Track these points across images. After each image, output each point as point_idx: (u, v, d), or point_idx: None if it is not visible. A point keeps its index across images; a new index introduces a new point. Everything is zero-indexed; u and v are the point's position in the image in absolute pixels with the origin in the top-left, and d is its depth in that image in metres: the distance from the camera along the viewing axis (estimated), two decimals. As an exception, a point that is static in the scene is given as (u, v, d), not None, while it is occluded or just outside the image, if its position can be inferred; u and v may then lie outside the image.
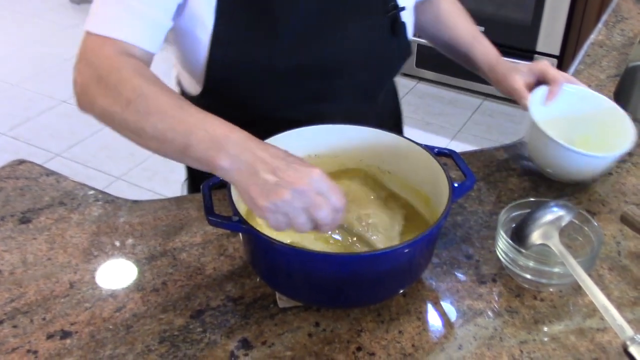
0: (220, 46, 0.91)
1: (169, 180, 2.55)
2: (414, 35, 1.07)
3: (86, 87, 0.81)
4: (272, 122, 0.85)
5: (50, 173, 1.03)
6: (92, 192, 0.99)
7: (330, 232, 0.81)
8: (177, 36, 0.95)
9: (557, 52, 2.73)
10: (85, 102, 0.82)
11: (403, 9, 0.99)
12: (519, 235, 0.83)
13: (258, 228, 0.72)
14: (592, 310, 0.80)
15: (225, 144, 0.71)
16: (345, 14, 0.95)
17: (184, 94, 1.06)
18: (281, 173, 0.68)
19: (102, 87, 0.79)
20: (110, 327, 0.77)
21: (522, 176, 1.04)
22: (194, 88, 1.00)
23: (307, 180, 0.68)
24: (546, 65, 1.05)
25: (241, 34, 0.91)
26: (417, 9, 1.08)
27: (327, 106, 1.01)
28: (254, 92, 0.98)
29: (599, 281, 0.84)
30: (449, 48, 1.16)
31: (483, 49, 1.10)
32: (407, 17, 1.02)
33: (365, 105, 1.07)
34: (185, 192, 1.21)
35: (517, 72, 1.04)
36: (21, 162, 1.05)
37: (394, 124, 1.22)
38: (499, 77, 1.06)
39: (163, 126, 0.74)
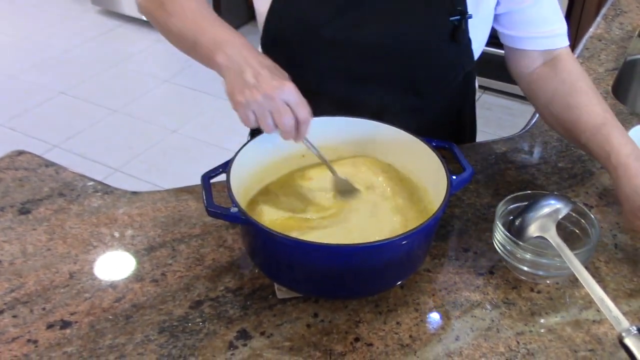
0: (280, 1, 0.94)
1: (167, 172, 2.56)
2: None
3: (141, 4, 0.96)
4: (313, 95, 0.85)
5: (49, 164, 1.03)
6: (91, 183, 0.99)
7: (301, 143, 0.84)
8: None
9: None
10: (143, 9, 0.97)
11: (470, 16, 0.93)
12: (516, 228, 0.84)
13: (257, 220, 0.73)
14: (588, 302, 0.81)
15: (224, 45, 0.83)
16: (406, 2, 0.93)
17: None
18: (261, 79, 0.79)
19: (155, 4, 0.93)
20: (110, 317, 0.78)
21: (520, 169, 1.04)
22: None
23: (278, 90, 0.78)
24: None
25: None
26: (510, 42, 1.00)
27: (367, 91, 0.99)
28: (302, 56, 0.97)
29: (596, 273, 0.85)
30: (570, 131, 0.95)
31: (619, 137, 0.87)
32: (475, 27, 0.97)
33: (406, 100, 1.03)
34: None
35: None
36: (20, 153, 1.05)
37: (453, 132, 1.15)
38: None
39: (182, 25, 0.88)
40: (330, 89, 0.99)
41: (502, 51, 1.06)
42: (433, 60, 0.99)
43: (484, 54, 1.06)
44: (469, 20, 0.94)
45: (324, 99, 0.89)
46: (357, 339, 0.75)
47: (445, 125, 1.12)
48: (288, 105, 0.78)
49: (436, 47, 0.97)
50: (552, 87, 0.96)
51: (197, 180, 0.82)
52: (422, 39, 0.96)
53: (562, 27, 0.98)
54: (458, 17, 0.93)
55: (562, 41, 0.98)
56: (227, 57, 0.81)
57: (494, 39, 1.09)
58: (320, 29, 0.94)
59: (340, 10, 0.93)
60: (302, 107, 0.80)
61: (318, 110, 0.85)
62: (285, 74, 0.82)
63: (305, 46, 0.96)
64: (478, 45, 1.00)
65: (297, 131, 0.80)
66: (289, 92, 0.79)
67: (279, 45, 0.98)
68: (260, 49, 1.06)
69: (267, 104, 0.78)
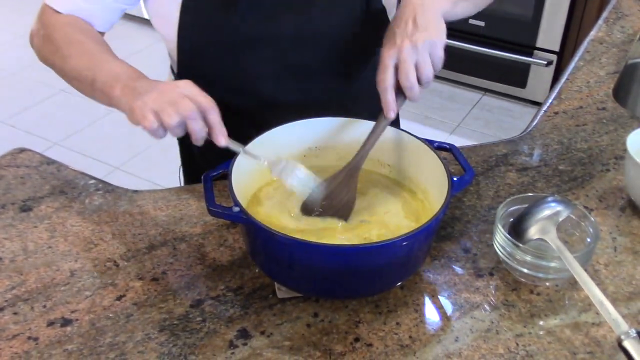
0: (187, 13, 0.93)
1: (167, 170, 2.55)
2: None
3: (38, 43, 0.95)
4: (256, 101, 0.85)
5: (50, 162, 1.03)
6: (92, 181, 1.00)
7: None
8: (152, 17, 0.99)
9: (557, 48, 2.73)
10: (39, 55, 0.97)
11: None
12: (516, 230, 0.84)
13: (258, 219, 0.73)
14: (588, 305, 0.81)
15: (120, 76, 0.82)
16: None
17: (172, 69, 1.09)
18: (156, 86, 0.78)
19: (46, 42, 0.93)
20: (111, 315, 0.78)
21: (521, 171, 1.04)
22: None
23: (172, 86, 0.78)
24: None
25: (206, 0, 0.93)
26: None
27: (308, 83, 1.00)
28: (226, 66, 0.98)
29: (595, 276, 0.85)
30: None
31: None
32: None
33: (347, 83, 1.03)
34: (181, 179, 1.22)
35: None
36: (22, 150, 1.05)
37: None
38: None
39: (79, 66, 0.88)
40: (269, 90, 0.99)
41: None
42: (354, 40, 0.99)
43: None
44: None
45: (254, 101, 0.89)
46: (357, 339, 0.76)
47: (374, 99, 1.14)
48: (187, 95, 0.76)
49: (354, 28, 0.98)
50: None
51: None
52: (338, 22, 0.96)
53: None
54: None
55: None
56: (122, 88, 0.80)
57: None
58: (236, 28, 0.93)
59: (251, 5, 0.92)
60: (202, 96, 0.77)
61: (249, 114, 0.84)
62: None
63: (227, 52, 0.96)
64: (391, 7, 1.01)
65: (212, 128, 0.77)
66: (184, 85, 0.78)
67: (199, 62, 0.98)
68: (173, 78, 1.08)
69: (164, 97, 0.76)
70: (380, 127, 0.85)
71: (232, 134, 0.80)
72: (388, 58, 0.82)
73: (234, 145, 0.79)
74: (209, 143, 0.79)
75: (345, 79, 1.05)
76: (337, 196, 0.84)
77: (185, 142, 1.16)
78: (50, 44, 0.92)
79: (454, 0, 0.89)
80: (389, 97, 0.82)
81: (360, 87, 1.05)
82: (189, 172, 1.21)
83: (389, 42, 0.83)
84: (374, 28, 0.96)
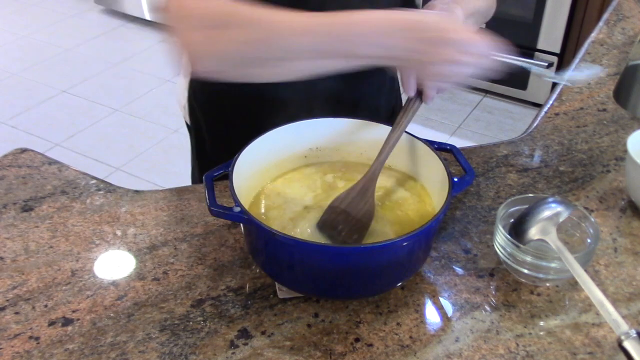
0: None
1: (168, 172, 2.56)
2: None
3: (198, 42, 0.72)
4: (267, 101, 0.83)
5: (52, 162, 1.04)
6: (93, 181, 1.00)
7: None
8: None
9: (557, 49, 2.73)
10: (204, 59, 0.73)
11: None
12: (517, 231, 0.84)
13: (259, 219, 0.73)
14: (588, 305, 0.81)
15: (385, 25, 0.69)
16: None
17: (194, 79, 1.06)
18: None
19: (220, 30, 0.71)
20: (112, 315, 0.78)
21: (521, 172, 1.05)
22: None
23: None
24: None
25: None
26: None
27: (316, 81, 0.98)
28: None
29: (595, 277, 0.85)
30: None
31: None
32: None
33: (355, 82, 1.00)
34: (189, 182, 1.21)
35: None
36: (23, 150, 1.06)
37: (391, 112, 1.17)
38: None
39: (313, 38, 0.70)
40: (279, 90, 0.95)
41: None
42: None
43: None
44: None
45: (276, 102, 0.87)
46: (357, 339, 0.76)
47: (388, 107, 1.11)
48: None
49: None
50: None
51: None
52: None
53: None
54: None
55: None
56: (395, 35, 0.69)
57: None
58: None
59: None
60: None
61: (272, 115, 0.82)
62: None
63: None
64: None
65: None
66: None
67: None
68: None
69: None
70: (395, 135, 0.83)
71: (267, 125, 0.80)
72: None
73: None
74: (222, 137, 0.77)
75: (355, 80, 1.01)
76: (355, 208, 0.82)
77: (199, 137, 1.15)
78: (224, 29, 0.71)
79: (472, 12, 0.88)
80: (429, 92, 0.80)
81: (371, 91, 1.04)
82: (203, 170, 1.20)
83: None
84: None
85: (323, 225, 0.82)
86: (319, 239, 0.81)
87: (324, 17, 0.71)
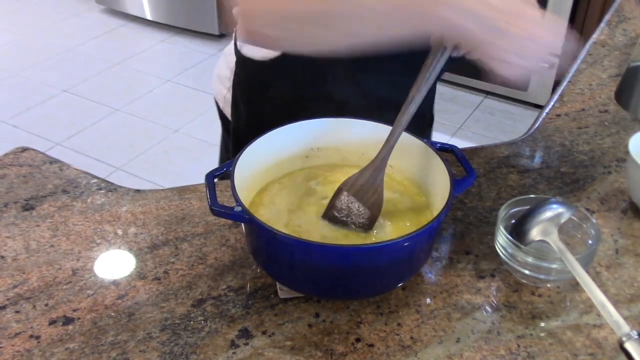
0: None
1: (168, 171, 2.56)
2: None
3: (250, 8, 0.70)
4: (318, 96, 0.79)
5: (53, 161, 1.04)
6: (94, 180, 1.00)
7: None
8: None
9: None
10: (260, 16, 0.70)
11: None
12: (518, 231, 0.84)
13: (260, 219, 0.73)
14: (589, 307, 0.81)
15: None
16: None
17: (245, 61, 1.05)
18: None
19: None
20: (112, 314, 0.78)
21: (523, 173, 1.05)
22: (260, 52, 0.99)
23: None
24: None
25: None
26: None
27: (369, 78, 0.95)
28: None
29: (596, 278, 0.85)
30: None
31: None
32: None
33: (405, 85, 0.99)
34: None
35: None
36: (24, 149, 1.06)
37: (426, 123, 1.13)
38: None
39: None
40: (330, 86, 0.95)
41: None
42: None
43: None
44: None
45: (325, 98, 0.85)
46: (358, 340, 0.76)
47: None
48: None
49: None
50: None
51: (198, 180, 0.82)
52: None
53: None
54: None
55: None
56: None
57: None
58: None
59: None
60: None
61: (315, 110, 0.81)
62: None
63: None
64: None
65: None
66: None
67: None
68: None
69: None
70: (403, 119, 0.79)
71: None
72: None
73: None
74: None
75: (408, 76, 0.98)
76: (364, 196, 0.81)
77: (238, 130, 1.13)
78: None
79: None
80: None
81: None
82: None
83: None
84: None
85: (330, 217, 0.82)
86: (325, 232, 0.80)
87: None
